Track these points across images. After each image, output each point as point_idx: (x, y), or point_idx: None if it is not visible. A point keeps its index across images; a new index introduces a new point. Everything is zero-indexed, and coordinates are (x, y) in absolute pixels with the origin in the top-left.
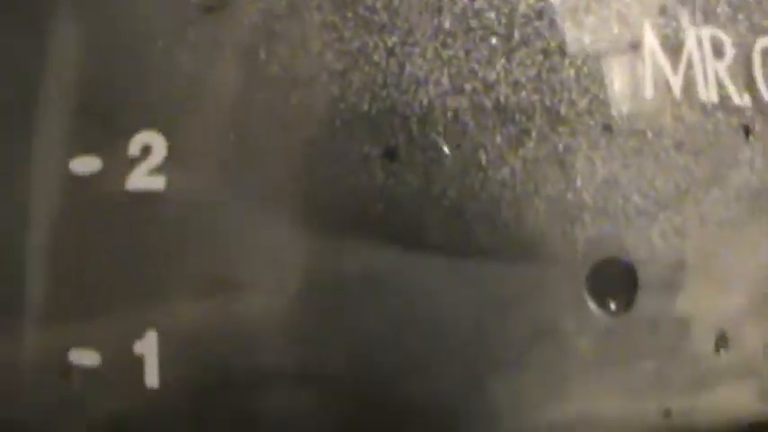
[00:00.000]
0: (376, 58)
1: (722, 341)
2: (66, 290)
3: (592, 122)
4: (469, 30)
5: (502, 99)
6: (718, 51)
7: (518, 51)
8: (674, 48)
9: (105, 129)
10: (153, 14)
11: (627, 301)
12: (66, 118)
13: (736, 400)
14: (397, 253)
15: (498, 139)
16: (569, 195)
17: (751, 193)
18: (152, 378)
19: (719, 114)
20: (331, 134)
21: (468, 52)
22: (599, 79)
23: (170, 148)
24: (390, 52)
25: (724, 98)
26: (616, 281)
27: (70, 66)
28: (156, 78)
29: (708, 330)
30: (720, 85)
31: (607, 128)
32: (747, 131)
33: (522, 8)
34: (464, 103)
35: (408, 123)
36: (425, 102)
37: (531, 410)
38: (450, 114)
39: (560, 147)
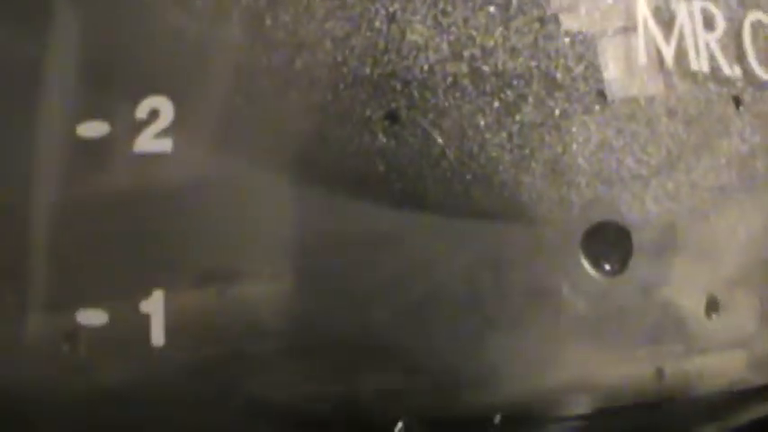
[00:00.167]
0: (377, 24)
1: (713, 306)
2: (73, 251)
3: (586, 89)
4: None
5: (500, 65)
6: (709, 24)
7: (515, 19)
8: (666, 19)
9: (113, 95)
10: None
11: (621, 264)
12: (73, 84)
13: (727, 367)
14: (398, 213)
15: (496, 103)
16: (565, 159)
17: (741, 162)
18: (158, 337)
19: (711, 85)
20: (334, 98)
21: (466, 20)
22: (593, 47)
23: (177, 112)
24: (392, 19)
25: (715, 69)
26: (610, 243)
27: (77, 32)
28: (162, 44)
29: (699, 295)
30: (711, 57)
31: (601, 94)
32: (738, 102)
33: None
34: (463, 68)
35: (409, 87)
36: (426, 67)
37: (528, 369)
38: (449, 79)
39: (556, 112)
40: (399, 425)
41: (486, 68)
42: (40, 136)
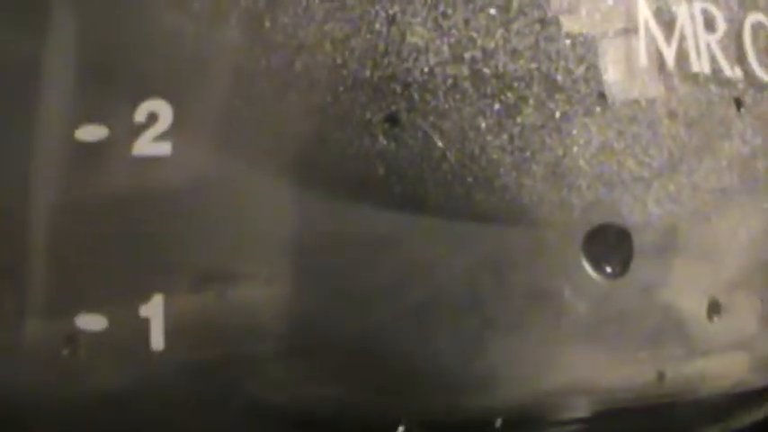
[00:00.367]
0: (377, 26)
1: (714, 309)
2: (72, 255)
3: (587, 91)
4: (469, 0)
5: (500, 67)
6: (710, 25)
7: (516, 21)
8: (667, 21)
9: (111, 98)
10: None
11: (622, 266)
12: (71, 88)
13: (728, 369)
14: (398, 216)
15: (497, 106)
16: (566, 161)
17: (742, 164)
18: (157, 341)
19: (712, 86)
20: (334, 100)
21: (467, 22)
22: (594, 49)
23: (176, 115)
24: (392, 21)
25: (716, 71)
26: (611, 245)
27: (76, 35)
28: (161, 47)
29: (700, 297)
30: (713, 58)
31: (602, 96)
32: (739, 104)
33: None
34: (464, 70)
35: (409, 90)
36: (426, 69)
37: (528, 372)
38: (450, 82)
39: (557, 114)
40: (400, 429)
41: (486, 71)
42: (38, 139)
